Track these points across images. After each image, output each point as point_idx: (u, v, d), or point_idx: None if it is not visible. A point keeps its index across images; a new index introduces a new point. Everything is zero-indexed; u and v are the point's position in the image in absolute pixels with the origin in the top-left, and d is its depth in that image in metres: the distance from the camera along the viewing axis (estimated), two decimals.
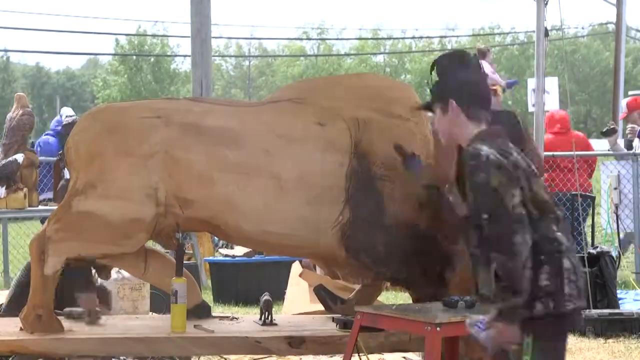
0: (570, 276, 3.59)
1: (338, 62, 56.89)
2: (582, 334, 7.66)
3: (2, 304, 5.97)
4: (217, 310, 8.35)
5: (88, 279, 5.93)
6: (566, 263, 3.61)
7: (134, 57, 52.19)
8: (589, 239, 10.78)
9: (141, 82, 52.28)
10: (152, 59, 53.31)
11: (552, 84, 13.52)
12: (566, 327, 3.67)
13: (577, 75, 54.02)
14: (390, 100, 5.78)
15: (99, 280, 6.22)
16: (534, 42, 8.67)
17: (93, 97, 58.04)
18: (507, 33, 59.19)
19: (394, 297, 8.84)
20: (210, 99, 7.70)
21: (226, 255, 10.08)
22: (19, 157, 8.92)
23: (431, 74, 3.89)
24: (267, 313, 5.69)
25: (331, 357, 6.06)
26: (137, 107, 5.63)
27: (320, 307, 6.23)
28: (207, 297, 9.18)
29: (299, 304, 7.62)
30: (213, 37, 14.09)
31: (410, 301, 5.69)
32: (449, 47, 52.01)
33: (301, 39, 58.73)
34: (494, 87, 13.81)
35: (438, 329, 4.39)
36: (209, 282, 10.23)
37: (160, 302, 7.59)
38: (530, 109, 12.45)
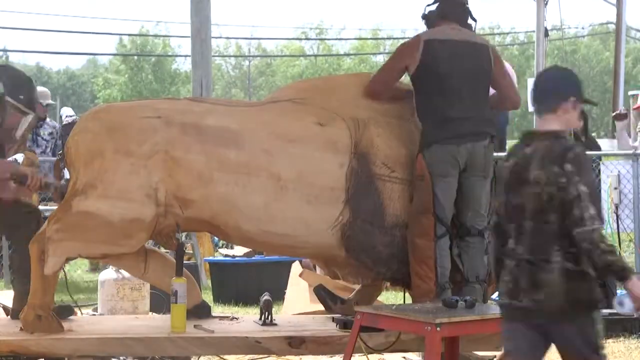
0: None
1: (338, 62, 56.90)
2: None
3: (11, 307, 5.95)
4: (217, 310, 8.34)
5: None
6: None
7: (135, 57, 52.21)
8: None
9: (142, 82, 52.29)
10: (153, 59, 53.33)
11: None
12: None
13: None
14: (390, 100, 5.79)
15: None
16: (534, 42, 8.69)
17: (93, 97, 58.04)
18: (507, 33, 59.20)
19: (394, 297, 8.84)
20: (211, 99, 7.70)
21: (226, 255, 10.07)
22: (19, 157, 8.91)
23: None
24: (267, 313, 5.69)
25: (331, 357, 6.06)
26: (137, 107, 5.63)
27: (320, 307, 6.24)
28: (207, 297, 9.17)
29: (299, 304, 7.62)
30: (213, 37, 14.10)
31: (410, 301, 5.69)
32: None
33: (300, 39, 58.76)
34: None
35: (438, 329, 4.39)
36: (209, 282, 10.22)
37: (160, 302, 7.59)
38: (530, 108, 12.43)
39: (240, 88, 61.99)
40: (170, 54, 53.53)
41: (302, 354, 5.55)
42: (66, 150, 5.57)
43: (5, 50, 56.52)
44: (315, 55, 57.38)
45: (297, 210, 5.48)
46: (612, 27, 28.05)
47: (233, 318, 5.88)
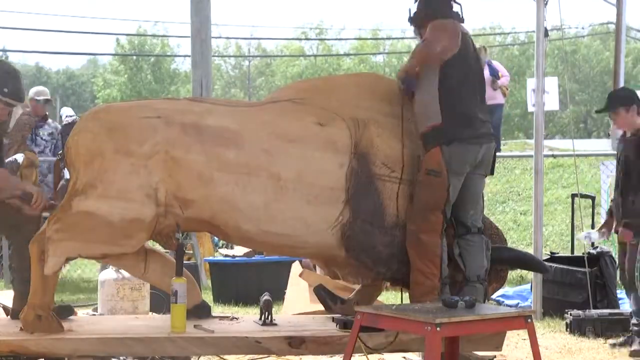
0: None
1: (337, 62, 56.86)
2: (582, 334, 7.66)
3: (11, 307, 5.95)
4: (217, 310, 8.35)
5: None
6: None
7: (134, 57, 52.19)
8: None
9: (141, 82, 52.27)
10: (152, 59, 53.31)
11: (552, 84, 13.53)
12: None
13: (577, 75, 53.99)
14: (390, 100, 5.79)
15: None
16: (534, 42, 8.68)
17: (93, 97, 58.02)
18: (507, 33, 59.11)
19: (394, 297, 8.84)
20: (210, 99, 7.69)
21: (226, 255, 10.07)
22: (19, 157, 8.91)
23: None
24: (267, 313, 5.69)
25: (331, 357, 6.06)
26: (137, 107, 5.63)
27: (320, 307, 6.24)
28: (207, 297, 9.18)
29: (299, 304, 7.62)
30: (213, 37, 14.09)
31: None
32: None
33: (300, 39, 58.73)
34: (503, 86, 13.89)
35: (438, 329, 4.39)
36: (209, 282, 10.23)
37: (160, 302, 7.60)
38: (530, 109, 12.46)
39: (240, 88, 61.95)
40: (169, 53, 53.51)
41: (302, 354, 5.55)
42: (66, 150, 5.57)
43: (4, 50, 56.49)
44: (315, 55, 57.35)
45: (297, 210, 5.48)
46: (612, 27, 28.06)
47: (233, 318, 5.88)
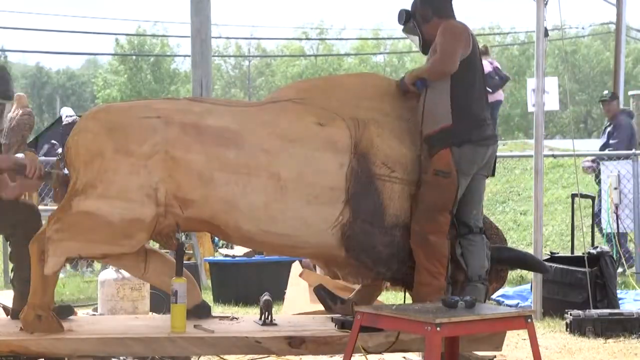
0: None
1: (338, 62, 56.88)
2: (582, 334, 7.66)
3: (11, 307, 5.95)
4: (217, 310, 8.35)
5: None
6: None
7: (134, 57, 52.22)
8: (589, 239, 10.79)
9: (141, 82, 52.29)
10: (152, 59, 53.33)
11: (552, 84, 13.53)
12: None
13: (577, 75, 54.01)
14: (390, 100, 5.79)
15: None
16: (533, 42, 8.68)
17: (93, 97, 58.06)
18: (507, 33, 59.14)
19: (394, 297, 8.84)
20: (210, 99, 7.69)
21: (226, 255, 10.07)
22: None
23: None
24: (267, 313, 5.69)
25: (331, 357, 6.06)
26: (137, 107, 5.63)
27: (320, 307, 6.24)
28: (207, 297, 9.18)
29: (299, 304, 7.62)
30: (213, 37, 14.10)
31: (410, 301, 5.69)
32: None
33: (300, 39, 58.74)
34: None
35: (438, 329, 4.39)
36: (209, 282, 10.23)
37: (160, 302, 7.60)
38: (530, 109, 12.46)
39: (240, 88, 61.96)
40: (169, 53, 53.54)
41: (302, 354, 5.55)
42: (66, 150, 5.57)
43: (4, 50, 56.51)
44: (316, 55, 57.36)
45: (297, 210, 5.48)
46: (612, 27, 28.06)
47: (233, 318, 5.88)
